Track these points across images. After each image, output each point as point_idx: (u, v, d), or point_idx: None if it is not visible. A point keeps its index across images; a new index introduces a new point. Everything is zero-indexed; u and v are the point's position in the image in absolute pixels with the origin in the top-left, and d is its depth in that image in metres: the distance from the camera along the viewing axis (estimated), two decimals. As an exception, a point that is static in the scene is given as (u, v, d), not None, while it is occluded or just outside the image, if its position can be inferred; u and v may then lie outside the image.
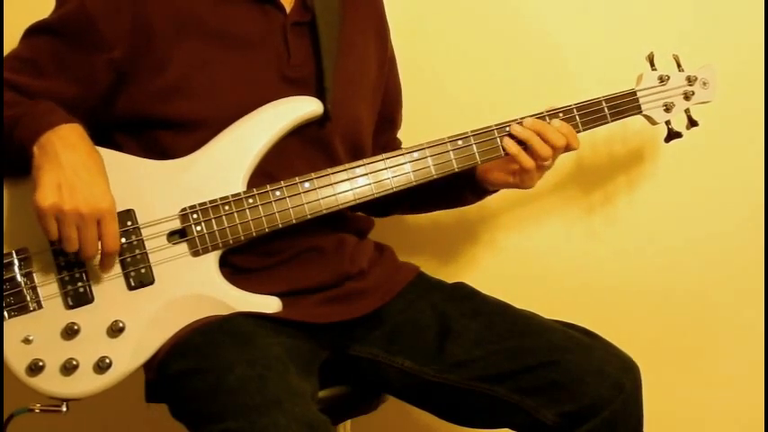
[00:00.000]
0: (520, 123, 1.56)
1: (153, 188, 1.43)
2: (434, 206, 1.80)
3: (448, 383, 1.47)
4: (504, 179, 1.62)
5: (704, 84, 1.72)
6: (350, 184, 1.49)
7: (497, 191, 1.70)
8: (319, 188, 1.47)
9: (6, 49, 1.47)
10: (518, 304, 1.56)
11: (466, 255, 2.04)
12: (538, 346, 1.45)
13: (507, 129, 1.56)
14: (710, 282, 2.02)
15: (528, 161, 1.56)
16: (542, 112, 1.59)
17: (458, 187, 1.67)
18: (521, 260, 2.04)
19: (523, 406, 1.44)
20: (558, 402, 1.41)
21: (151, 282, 1.41)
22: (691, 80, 1.71)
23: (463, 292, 1.59)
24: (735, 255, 2.00)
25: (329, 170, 1.48)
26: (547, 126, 1.56)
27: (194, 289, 1.43)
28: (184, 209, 1.42)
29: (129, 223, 1.40)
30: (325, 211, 1.47)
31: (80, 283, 1.38)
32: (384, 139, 1.73)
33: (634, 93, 1.66)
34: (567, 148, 1.58)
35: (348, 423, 1.67)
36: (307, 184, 1.47)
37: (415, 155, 1.53)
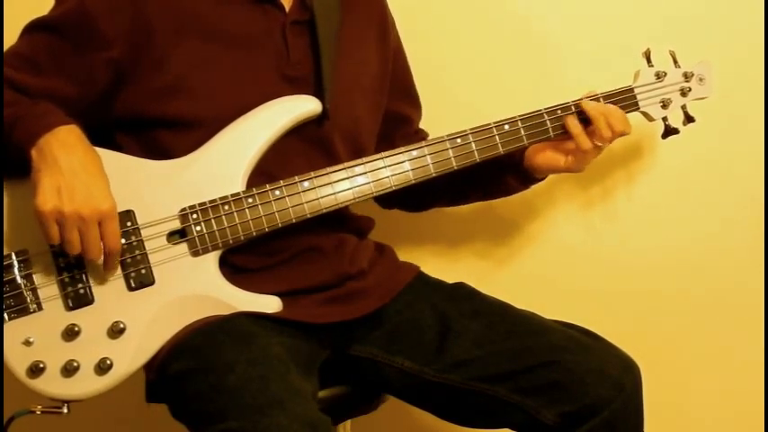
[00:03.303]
0: (577, 105, 1.60)
1: (152, 188, 1.42)
2: (477, 196, 1.78)
3: (448, 383, 1.48)
4: (556, 161, 1.63)
5: (701, 80, 1.72)
6: (349, 183, 1.49)
7: (544, 178, 1.70)
8: (318, 187, 1.47)
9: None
10: (518, 304, 1.56)
11: (466, 254, 2.04)
12: (538, 346, 1.46)
13: (506, 126, 1.57)
14: (710, 280, 2.02)
15: (587, 142, 1.58)
16: (540, 110, 1.59)
17: (501, 174, 1.67)
18: (520, 259, 2.04)
19: (523, 406, 1.44)
20: (559, 402, 1.42)
21: (151, 282, 1.41)
22: (687, 76, 1.71)
23: (463, 293, 1.59)
24: (735, 251, 2.00)
25: (328, 169, 1.48)
26: (610, 108, 1.60)
27: (194, 289, 1.42)
28: (184, 209, 1.42)
29: (129, 224, 1.40)
30: (324, 210, 1.47)
31: (80, 285, 1.38)
32: (398, 135, 1.71)
33: (631, 89, 1.66)
34: (623, 134, 1.62)
35: (348, 423, 1.66)
36: (306, 184, 1.46)
37: (414, 153, 1.53)
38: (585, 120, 1.60)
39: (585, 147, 1.59)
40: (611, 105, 1.61)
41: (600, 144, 1.60)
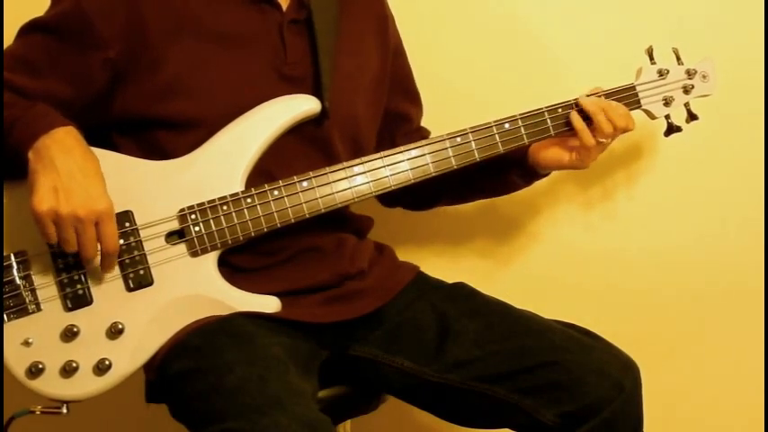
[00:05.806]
0: (577, 102, 1.59)
1: (151, 189, 1.42)
2: (479, 195, 1.79)
3: (448, 383, 1.47)
4: (560, 157, 1.63)
5: (704, 77, 1.71)
6: (348, 183, 1.48)
7: (548, 174, 1.70)
8: (317, 187, 1.47)
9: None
10: (518, 304, 1.56)
11: (465, 254, 2.04)
12: (538, 346, 1.46)
13: (506, 125, 1.56)
14: (711, 280, 2.01)
15: (590, 138, 1.58)
16: (541, 108, 1.59)
17: (505, 172, 1.66)
18: (520, 259, 2.03)
19: (523, 406, 1.44)
20: (558, 402, 1.42)
21: (150, 283, 1.41)
22: (690, 73, 1.70)
23: (463, 292, 1.59)
24: (735, 252, 2.00)
25: (327, 169, 1.48)
26: (611, 104, 1.59)
27: (193, 289, 1.42)
28: (183, 209, 1.42)
29: (128, 224, 1.40)
30: (323, 210, 1.47)
31: (79, 285, 1.38)
32: (399, 133, 1.72)
33: (633, 87, 1.66)
34: (625, 129, 1.61)
35: (348, 423, 1.67)
36: (305, 183, 1.46)
37: (414, 153, 1.52)
38: (588, 117, 1.60)
39: (589, 143, 1.58)
40: (613, 101, 1.61)
41: (603, 140, 1.60)
